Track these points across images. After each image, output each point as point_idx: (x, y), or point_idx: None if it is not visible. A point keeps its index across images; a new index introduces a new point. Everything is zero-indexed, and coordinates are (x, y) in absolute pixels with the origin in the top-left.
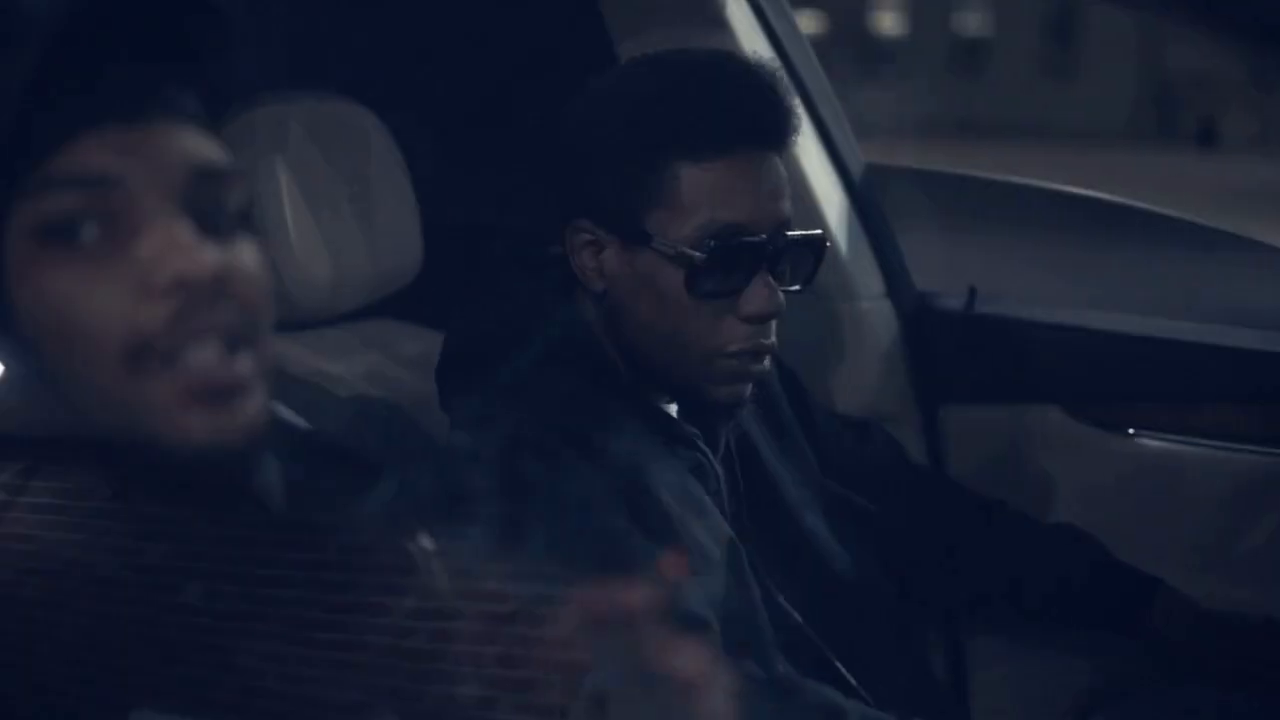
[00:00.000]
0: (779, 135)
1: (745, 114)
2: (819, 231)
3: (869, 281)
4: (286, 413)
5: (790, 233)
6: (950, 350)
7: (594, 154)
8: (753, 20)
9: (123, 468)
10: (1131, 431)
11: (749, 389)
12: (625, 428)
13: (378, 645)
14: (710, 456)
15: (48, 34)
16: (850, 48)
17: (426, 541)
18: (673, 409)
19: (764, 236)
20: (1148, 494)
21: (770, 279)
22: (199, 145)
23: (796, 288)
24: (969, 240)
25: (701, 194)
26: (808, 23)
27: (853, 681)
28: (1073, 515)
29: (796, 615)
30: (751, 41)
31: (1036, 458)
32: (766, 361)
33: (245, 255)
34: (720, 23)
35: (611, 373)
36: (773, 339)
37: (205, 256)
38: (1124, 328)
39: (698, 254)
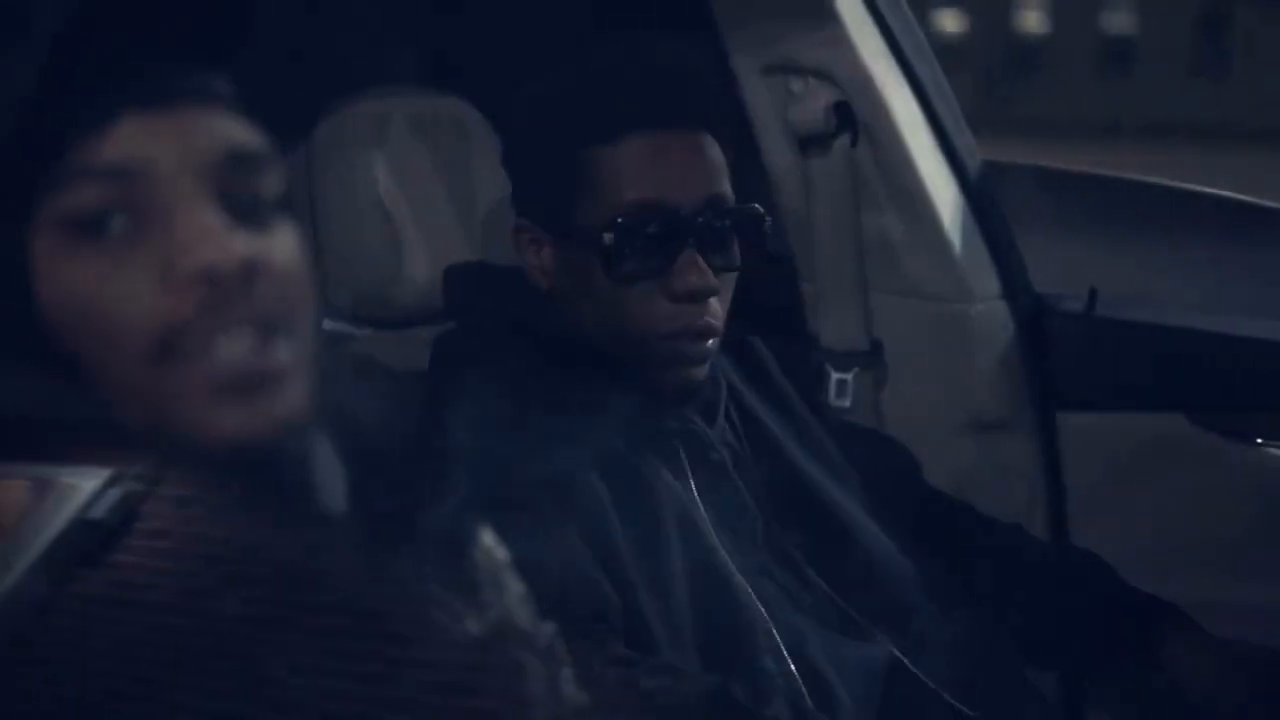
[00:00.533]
0: (688, 110)
1: (645, 92)
2: (755, 206)
3: (984, 282)
4: (359, 408)
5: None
6: (1069, 354)
7: (522, 151)
8: (864, 12)
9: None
10: (1260, 441)
11: (700, 371)
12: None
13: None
14: (700, 422)
15: (68, 20)
16: (995, 47)
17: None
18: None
19: (681, 212)
20: (1277, 507)
21: (698, 257)
22: (229, 129)
23: (733, 268)
24: (1091, 241)
25: (613, 176)
26: (951, 21)
27: (893, 649)
28: (1195, 528)
29: (823, 583)
30: (862, 34)
31: (1158, 468)
32: (710, 342)
33: (281, 242)
34: (829, 14)
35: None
36: (713, 319)
37: (235, 245)
38: (1253, 332)
39: (608, 235)
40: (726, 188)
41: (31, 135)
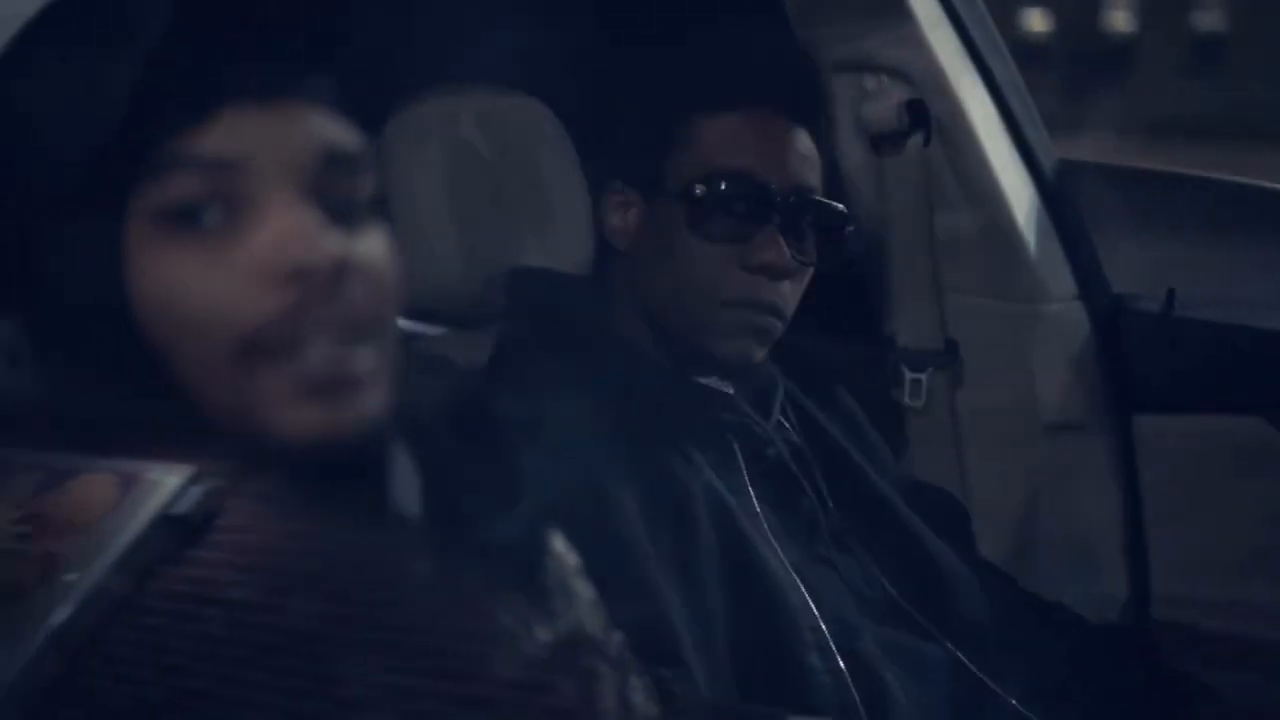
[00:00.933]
0: (796, 102)
1: (762, 72)
2: (841, 206)
3: (1060, 282)
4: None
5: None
6: (1146, 356)
7: (623, 113)
8: (938, 8)
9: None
10: None
11: (759, 350)
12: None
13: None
14: (755, 417)
15: (173, 13)
16: (1080, 46)
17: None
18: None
19: (770, 188)
20: None
21: (779, 236)
22: (327, 129)
23: (809, 262)
24: (1171, 241)
25: (716, 143)
26: (1036, 20)
27: (954, 649)
28: (1275, 533)
29: (884, 580)
30: (936, 30)
31: (1236, 471)
32: (775, 321)
33: (372, 244)
34: (903, 11)
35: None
36: (781, 300)
37: (327, 245)
38: None
39: (700, 188)
40: (816, 183)
41: (130, 125)
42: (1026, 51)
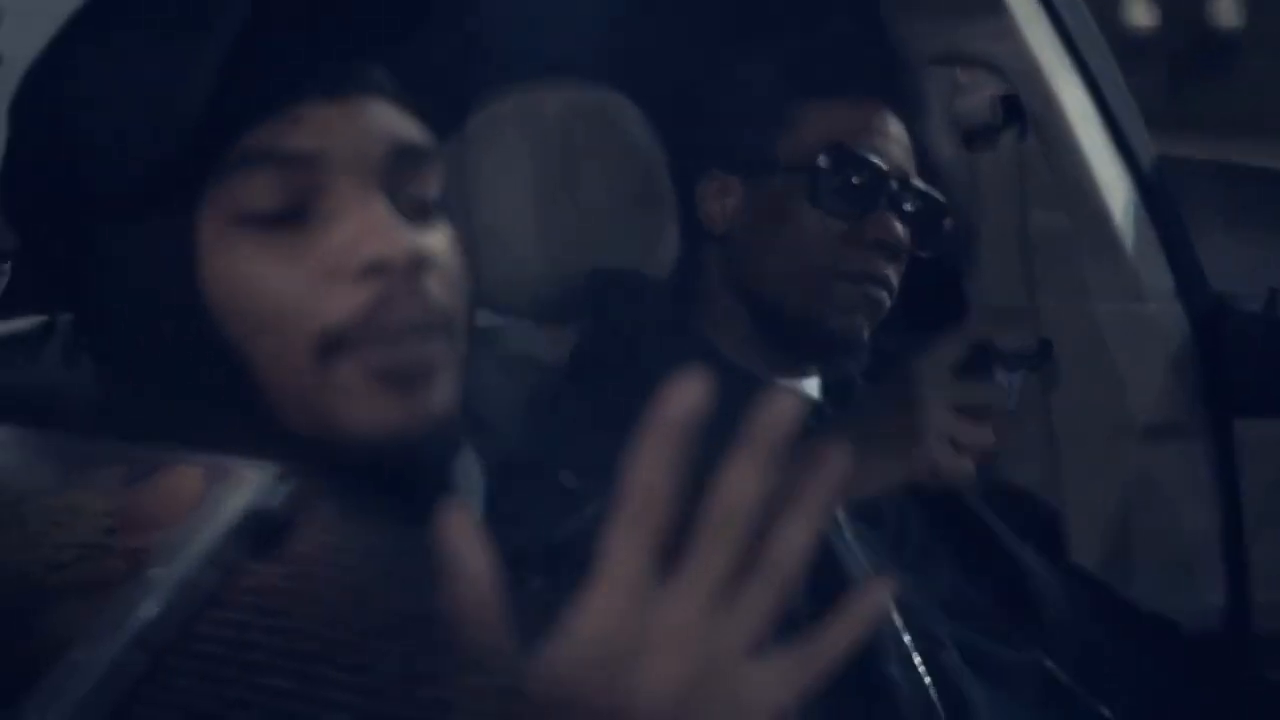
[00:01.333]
0: (899, 94)
1: (872, 63)
2: (941, 198)
3: (1157, 281)
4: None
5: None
6: (1247, 357)
7: (726, 99)
8: (1035, 2)
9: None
10: None
11: (867, 326)
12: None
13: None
14: (831, 418)
15: (249, 7)
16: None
17: None
18: (808, 384)
19: (884, 170)
20: None
21: (892, 214)
22: (399, 123)
23: (911, 249)
24: (1273, 238)
25: (829, 124)
26: (1140, 14)
27: (1049, 665)
28: None
29: (972, 588)
30: (1031, 23)
31: None
32: (885, 296)
33: (441, 238)
34: (998, 3)
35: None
36: (892, 277)
37: (404, 239)
38: None
39: (826, 160)
40: (914, 174)
41: (207, 121)
42: (1130, 45)
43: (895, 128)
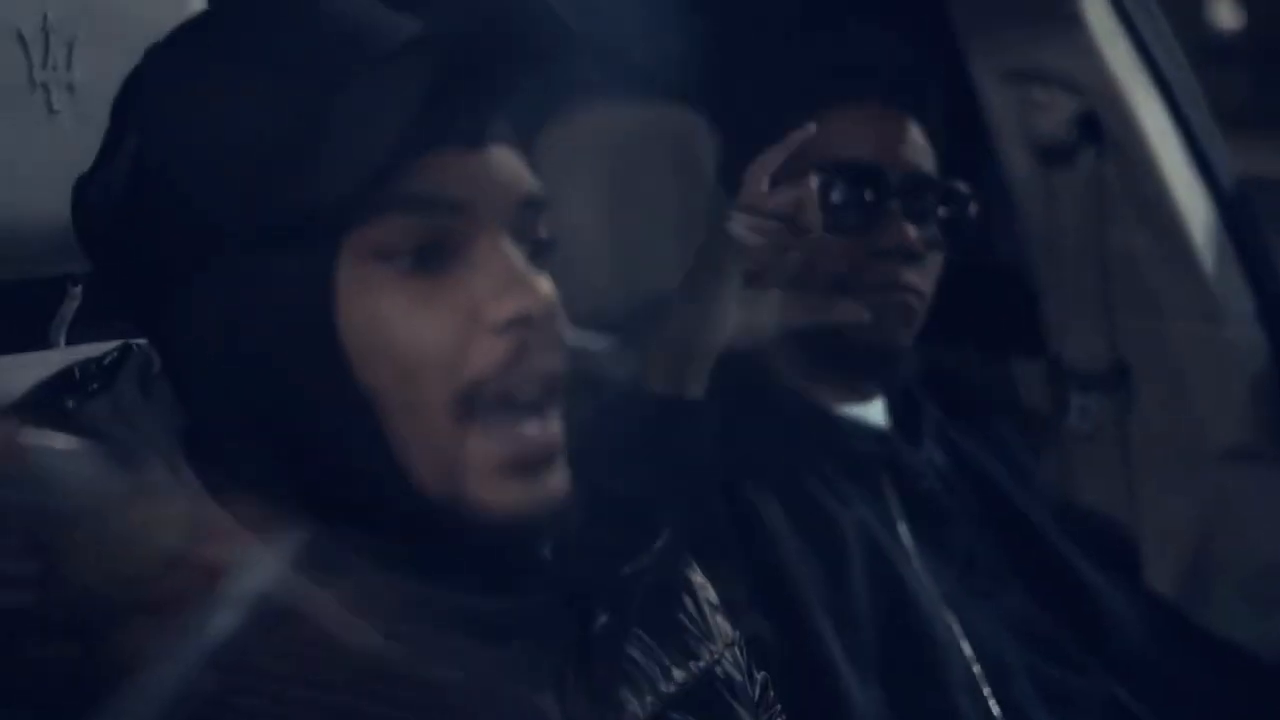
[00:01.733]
0: (899, 92)
1: (860, 66)
2: (961, 184)
3: (1238, 302)
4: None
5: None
6: None
7: (738, 128)
8: (1112, 16)
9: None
10: None
11: (904, 332)
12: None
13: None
14: (906, 448)
15: (390, 56)
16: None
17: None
18: (872, 409)
19: (886, 174)
20: None
21: (901, 217)
22: (524, 171)
23: (937, 245)
24: None
25: (825, 137)
26: (1227, 15)
27: (1122, 695)
28: None
29: (1043, 615)
30: (1109, 39)
31: None
32: (913, 299)
33: (553, 290)
34: (1075, 19)
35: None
36: (916, 280)
37: (542, 289)
38: None
39: (814, 177)
40: (931, 168)
41: (349, 165)
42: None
43: (901, 126)
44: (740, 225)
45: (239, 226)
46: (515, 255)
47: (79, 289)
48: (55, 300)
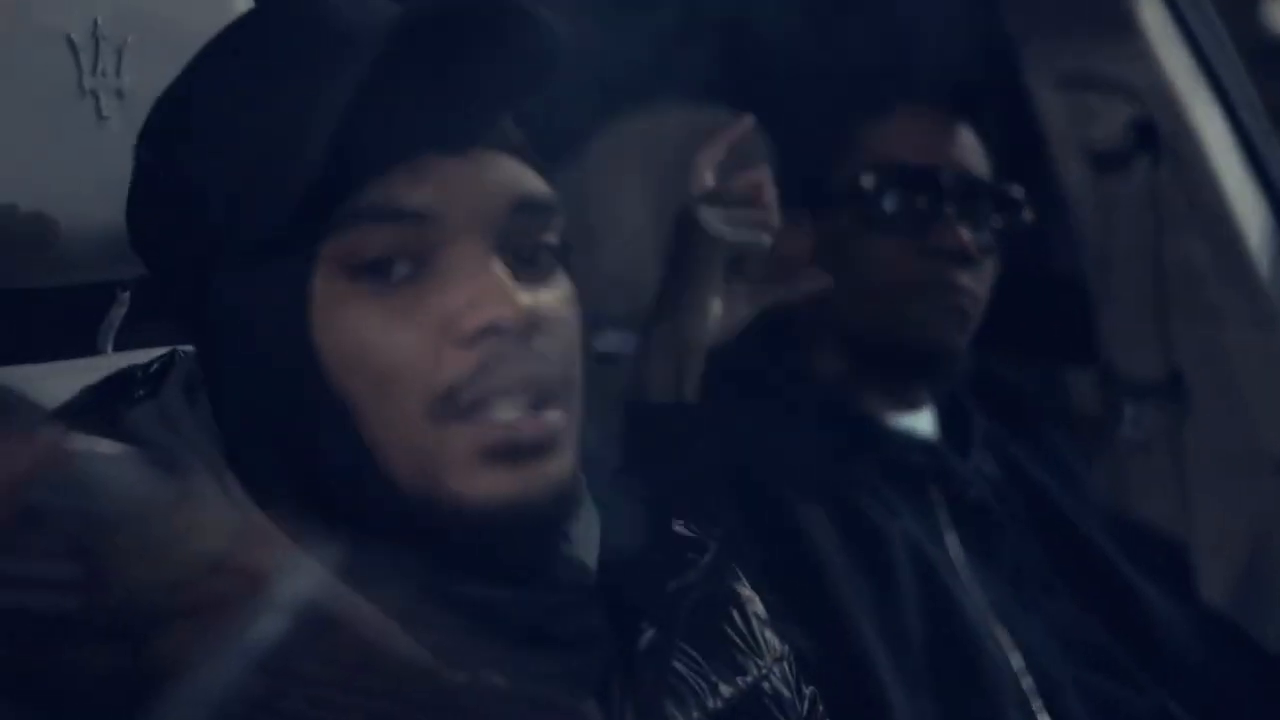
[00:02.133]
0: (951, 95)
1: (912, 70)
2: (1014, 187)
3: None
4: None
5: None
6: None
7: (783, 128)
8: (1169, 22)
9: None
10: None
11: (958, 336)
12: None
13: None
14: (954, 458)
15: (364, 59)
16: None
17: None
18: (921, 419)
19: (938, 175)
20: None
21: (955, 219)
22: (517, 177)
23: (990, 249)
24: None
25: (878, 142)
26: None
27: (1175, 709)
28: None
29: (1096, 628)
30: (1166, 46)
31: None
32: (967, 302)
33: (559, 295)
34: (1131, 25)
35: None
36: (970, 283)
37: (520, 300)
38: None
39: (868, 180)
40: (984, 172)
41: (323, 174)
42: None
43: (953, 129)
44: (711, 216)
45: (226, 239)
46: (491, 264)
47: (127, 295)
48: (104, 306)
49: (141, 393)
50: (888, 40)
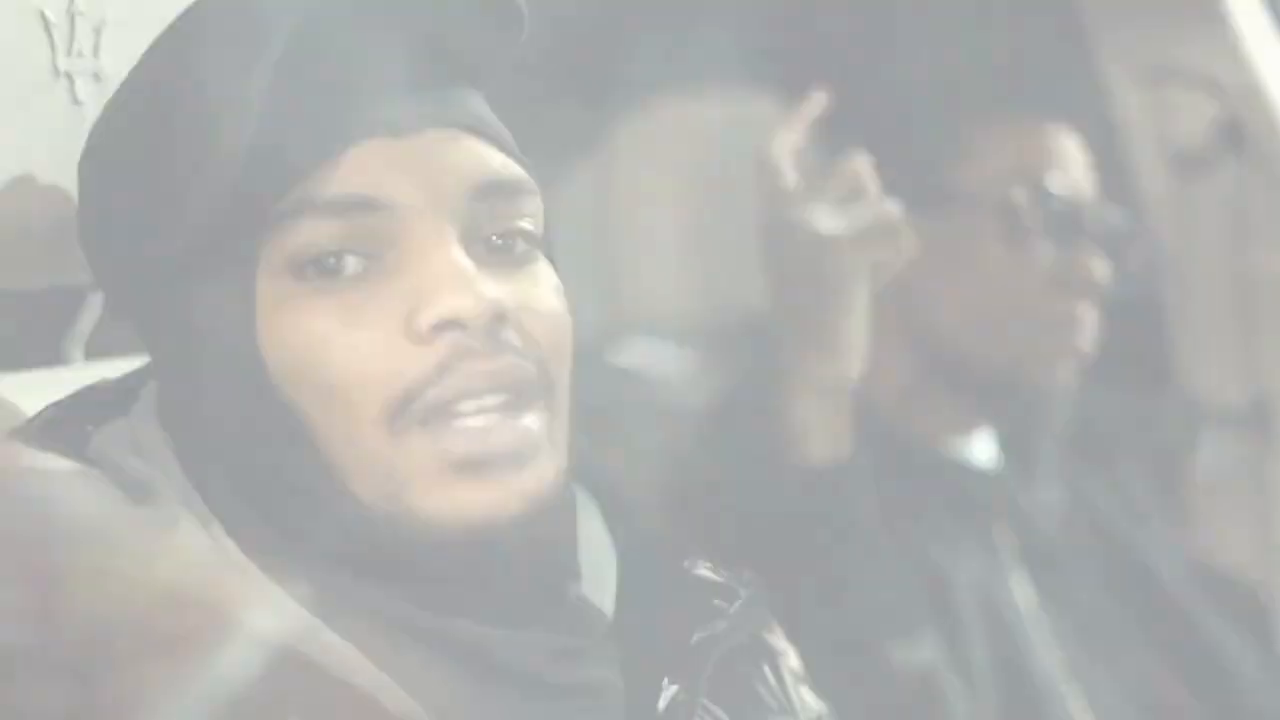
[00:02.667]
0: (1076, 113)
1: (1043, 82)
2: (1128, 214)
3: None
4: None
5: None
6: None
7: (889, 119)
8: (1261, 14)
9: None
10: None
11: (1070, 377)
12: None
13: None
14: (1020, 495)
15: (301, 38)
16: None
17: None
18: (979, 439)
19: (1069, 198)
20: None
21: (1089, 249)
22: (480, 158)
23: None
24: None
25: (1011, 148)
26: None
27: None
28: None
29: (1166, 674)
30: (1256, 41)
31: None
32: (1088, 341)
33: (535, 284)
34: (1217, 18)
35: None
36: (1093, 322)
37: (486, 290)
38: None
39: (1020, 190)
40: (1098, 198)
41: (257, 166)
42: None
43: (1082, 151)
44: (834, 223)
45: (155, 252)
46: (451, 252)
47: (99, 298)
48: (71, 311)
49: (109, 410)
50: (1017, 48)
